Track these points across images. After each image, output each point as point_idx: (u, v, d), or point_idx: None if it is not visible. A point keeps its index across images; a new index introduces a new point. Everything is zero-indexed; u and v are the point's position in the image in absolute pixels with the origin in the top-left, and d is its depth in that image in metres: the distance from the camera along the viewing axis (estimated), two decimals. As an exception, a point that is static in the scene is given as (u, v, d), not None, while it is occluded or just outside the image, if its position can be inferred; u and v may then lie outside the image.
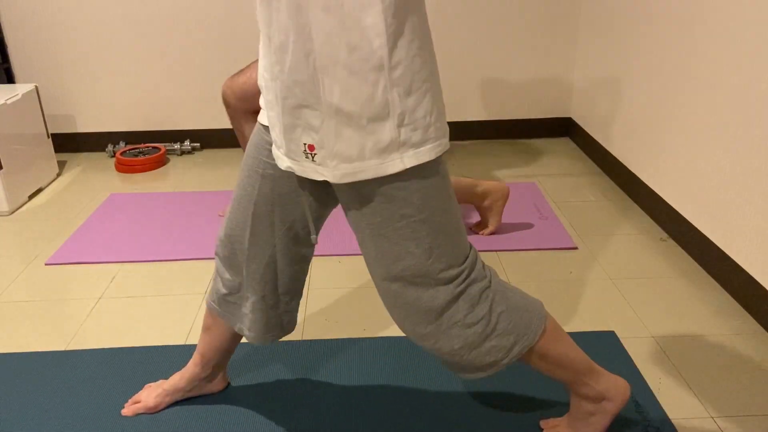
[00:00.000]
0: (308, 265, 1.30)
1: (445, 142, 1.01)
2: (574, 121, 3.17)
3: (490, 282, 1.14)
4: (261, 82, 1.06)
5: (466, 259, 1.10)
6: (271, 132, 1.06)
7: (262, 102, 1.12)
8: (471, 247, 1.13)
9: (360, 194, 1.02)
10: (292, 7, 0.89)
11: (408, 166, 0.97)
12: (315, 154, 0.99)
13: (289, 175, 1.15)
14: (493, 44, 3.05)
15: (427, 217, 1.03)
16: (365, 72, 0.91)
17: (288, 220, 1.19)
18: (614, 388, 1.26)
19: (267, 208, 1.18)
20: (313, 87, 0.93)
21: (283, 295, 1.29)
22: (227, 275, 1.29)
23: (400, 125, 0.95)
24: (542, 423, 1.39)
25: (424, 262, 1.05)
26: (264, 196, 1.17)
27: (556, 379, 1.24)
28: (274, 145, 1.08)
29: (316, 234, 1.22)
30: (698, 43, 1.98)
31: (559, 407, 1.44)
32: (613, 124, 2.67)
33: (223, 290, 1.31)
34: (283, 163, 1.06)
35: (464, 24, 3.01)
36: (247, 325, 1.31)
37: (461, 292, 1.09)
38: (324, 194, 1.19)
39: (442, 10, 2.98)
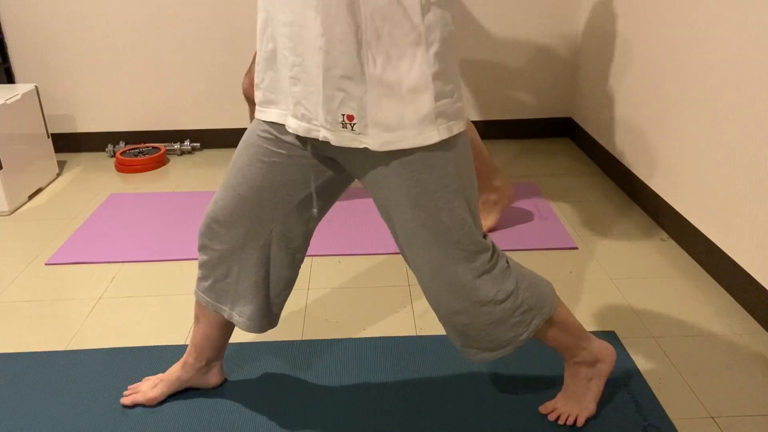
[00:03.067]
0: (302, 255, 1.33)
1: (466, 118, 1.09)
2: (574, 122, 3.17)
3: (509, 260, 1.21)
4: (281, 69, 1.09)
5: (485, 236, 1.18)
6: (300, 107, 1.09)
7: (261, 94, 1.15)
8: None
9: (399, 165, 1.07)
10: None
11: (444, 137, 1.04)
12: (354, 123, 1.04)
13: (296, 162, 1.18)
14: (494, 44, 3.05)
15: (460, 186, 1.10)
16: (405, 46, 0.99)
17: (287, 208, 1.23)
18: (605, 349, 1.35)
19: (269, 195, 1.21)
20: (358, 59, 1.00)
21: (274, 283, 1.32)
22: (213, 263, 1.31)
23: (437, 98, 1.02)
24: (541, 409, 1.43)
25: (457, 232, 1.11)
26: (267, 184, 1.20)
27: (558, 346, 1.31)
28: (302, 120, 1.10)
29: (318, 217, 1.28)
30: (698, 44, 1.98)
31: (555, 390, 1.43)
32: (614, 125, 2.67)
33: (209, 279, 1.33)
34: (320, 133, 1.08)
35: (464, 24, 3.01)
36: (238, 311, 1.34)
37: (491, 268, 1.16)
38: (335, 180, 1.23)
39: (442, 10, 2.98)
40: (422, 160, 1.06)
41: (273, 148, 1.18)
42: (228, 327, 1.43)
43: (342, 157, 1.15)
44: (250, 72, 2.17)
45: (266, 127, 1.18)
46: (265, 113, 1.17)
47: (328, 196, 1.26)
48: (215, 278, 1.33)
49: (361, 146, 1.06)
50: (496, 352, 1.24)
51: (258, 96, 1.17)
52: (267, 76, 1.14)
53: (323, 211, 1.28)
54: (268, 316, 1.37)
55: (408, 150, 1.05)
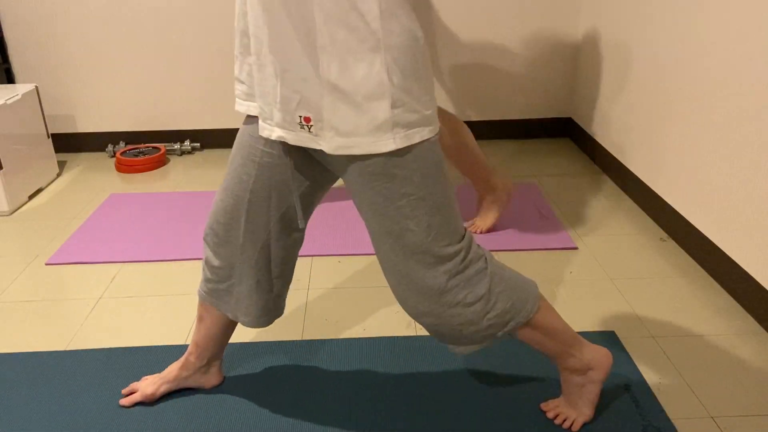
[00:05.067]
0: (299, 249, 1.35)
1: (435, 126, 1.05)
2: (574, 122, 3.17)
3: (487, 262, 1.18)
4: (249, 60, 1.09)
5: (462, 238, 1.15)
6: (260, 106, 1.09)
7: (238, 86, 1.15)
8: (466, 228, 1.18)
9: (360, 173, 1.06)
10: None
11: (399, 146, 1.02)
12: (311, 125, 1.03)
13: (286, 161, 1.18)
14: (494, 44, 3.05)
15: (426, 194, 1.07)
16: (362, 52, 0.96)
17: (283, 206, 1.24)
18: (597, 357, 1.32)
19: (264, 195, 1.22)
20: (313, 64, 0.98)
21: (276, 279, 1.33)
22: (216, 263, 1.32)
23: (394, 106, 0.99)
24: (543, 406, 1.43)
25: (424, 239, 1.09)
26: (261, 184, 1.21)
27: (544, 351, 1.30)
28: (261, 118, 1.10)
29: (305, 219, 1.27)
30: (698, 44, 1.98)
31: (555, 390, 1.43)
32: (614, 125, 2.67)
33: (213, 278, 1.34)
34: (274, 133, 1.09)
35: (464, 24, 3.01)
36: (243, 310, 1.34)
37: (461, 271, 1.14)
38: (317, 177, 1.23)
39: (441, 11, 2.98)
40: (383, 169, 1.04)
41: (263, 148, 1.18)
42: (230, 326, 1.43)
43: (320, 156, 1.15)
44: None
45: (254, 126, 1.18)
46: (243, 106, 1.17)
47: (321, 189, 1.27)
48: (219, 278, 1.34)
49: (318, 147, 1.05)
50: (468, 346, 1.24)
51: (236, 88, 1.17)
52: (243, 69, 1.14)
53: (317, 203, 1.30)
54: (274, 310, 1.38)
55: (367, 156, 1.04)
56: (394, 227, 1.09)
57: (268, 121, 1.09)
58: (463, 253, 1.14)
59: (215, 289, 1.35)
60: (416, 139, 1.03)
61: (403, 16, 0.98)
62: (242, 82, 1.16)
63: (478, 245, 1.20)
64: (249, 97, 1.16)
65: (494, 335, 1.21)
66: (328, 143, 1.03)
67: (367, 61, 0.97)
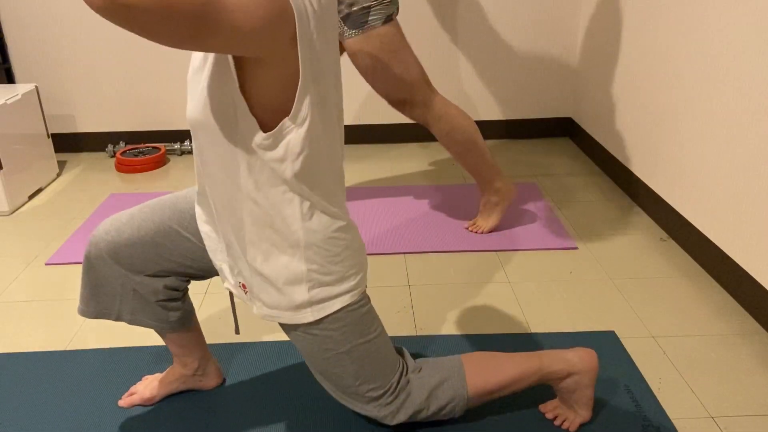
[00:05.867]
0: (187, 287, 1.39)
1: (358, 291, 1.18)
2: (574, 121, 3.17)
3: (411, 386, 1.27)
4: (202, 227, 1.24)
5: (394, 374, 1.26)
6: (211, 255, 1.25)
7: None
8: (398, 362, 1.28)
9: (288, 330, 1.20)
10: (226, 197, 1.09)
11: (318, 318, 1.15)
12: (246, 291, 1.20)
13: (202, 250, 1.29)
14: (494, 44, 3.05)
15: (350, 349, 1.20)
16: (284, 247, 1.11)
17: (178, 268, 1.30)
18: (577, 360, 1.33)
19: (168, 251, 1.28)
20: (243, 252, 1.14)
21: (158, 303, 1.33)
22: (105, 282, 1.32)
23: (310, 288, 1.13)
24: (542, 407, 1.43)
25: (352, 384, 1.23)
26: (170, 243, 1.28)
27: (516, 393, 1.40)
28: (216, 263, 1.25)
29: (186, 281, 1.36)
30: (698, 44, 1.98)
31: (552, 392, 1.44)
32: (614, 124, 2.67)
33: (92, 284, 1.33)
34: (225, 283, 1.25)
35: (464, 24, 3.01)
36: (142, 321, 1.35)
37: (392, 401, 1.26)
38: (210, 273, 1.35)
39: (442, 11, 2.98)
40: (305, 331, 1.18)
41: (194, 226, 1.27)
42: (188, 325, 1.42)
43: None
44: None
45: (198, 209, 1.25)
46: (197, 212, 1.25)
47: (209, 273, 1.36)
48: (94, 294, 1.33)
49: (252, 310, 1.21)
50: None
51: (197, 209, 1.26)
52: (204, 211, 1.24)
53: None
54: (170, 322, 1.38)
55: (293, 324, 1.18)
56: (325, 371, 1.22)
57: (224, 273, 1.24)
58: (390, 392, 1.25)
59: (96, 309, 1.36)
60: (335, 308, 1.16)
61: (324, 214, 1.11)
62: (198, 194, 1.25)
63: (406, 372, 1.28)
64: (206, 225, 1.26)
65: (453, 417, 1.31)
66: (258, 310, 1.19)
67: (289, 254, 1.11)
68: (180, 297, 1.34)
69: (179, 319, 1.35)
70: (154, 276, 1.29)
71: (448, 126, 2.06)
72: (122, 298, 1.30)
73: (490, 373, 1.30)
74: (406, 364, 1.30)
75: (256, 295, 1.17)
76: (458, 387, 1.28)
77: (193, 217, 1.27)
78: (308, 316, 1.15)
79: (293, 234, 1.09)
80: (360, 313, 1.19)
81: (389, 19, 1.91)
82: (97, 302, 1.31)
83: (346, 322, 1.18)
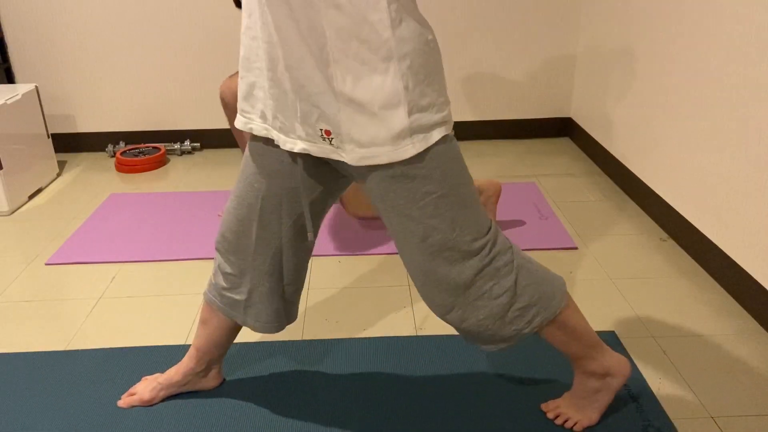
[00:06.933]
0: (310, 256, 1.34)
1: (450, 123, 1.07)
2: (574, 121, 3.17)
3: (514, 255, 1.18)
4: (256, 80, 1.09)
5: (488, 231, 1.15)
6: (277, 120, 1.09)
7: (243, 102, 1.14)
8: (491, 220, 1.17)
9: (381, 178, 1.06)
10: (303, 5, 0.95)
11: (419, 150, 1.03)
12: (332, 138, 1.04)
13: (295, 170, 1.18)
14: (493, 44, 3.05)
15: (448, 191, 1.08)
16: (375, 62, 0.97)
17: (294, 214, 1.24)
18: (618, 364, 1.32)
19: (275, 202, 1.22)
20: (327, 78, 0.98)
21: (287, 285, 1.33)
22: (228, 269, 1.31)
23: (410, 112, 1.00)
24: (543, 406, 1.43)
25: (449, 235, 1.10)
26: (272, 192, 1.21)
27: (566, 352, 1.29)
28: (279, 132, 1.11)
29: (315, 228, 1.27)
30: (698, 44, 1.98)
31: (556, 390, 1.43)
32: (613, 124, 2.67)
33: (224, 284, 1.33)
34: (297, 145, 1.09)
35: (464, 24, 3.01)
36: (253, 315, 1.34)
37: (488, 264, 1.14)
38: (328, 185, 1.23)
39: (441, 11, 2.98)
40: (404, 172, 1.05)
41: (275, 156, 1.18)
42: (234, 331, 1.43)
43: (335, 163, 1.15)
44: (234, 75, 2.14)
45: (264, 139, 1.18)
46: (248, 123, 1.16)
47: (331, 197, 1.27)
48: (230, 285, 1.33)
49: (340, 159, 1.06)
50: (497, 344, 1.23)
51: (240, 104, 1.16)
52: (246, 83, 1.13)
53: (327, 210, 1.29)
54: (286, 316, 1.38)
55: (389, 164, 1.05)
56: (419, 228, 1.09)
57: (291, 135, 1.09)
58: (489, 246, 1.14)
59: (224, 295, 1.35)
60: (434, 140, 1.04)
61: (413, 21, 0.98)
62: (243, 97, 1.15)
63: (505, 237, 1.19)
64: (248, 113, 1.15)
65: (520, 331, 1.20)
66: (350, 155, 1.04)
67: (381, 71, 0.97)
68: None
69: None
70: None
71: None
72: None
73: (577, 314, 1.26)
74: (509, 240, 1.21)
75: (346, 134, 1.02)
76: (559, 296, 1.21)
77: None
78: (409, 149, 1.02)
79: (384, 44, 0.96)
80: (457, 149, 1.09)
81: None
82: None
83: (446, 157, 1.06)
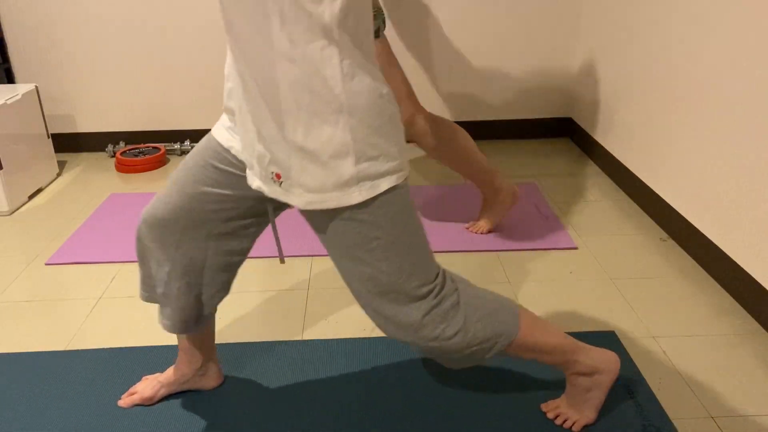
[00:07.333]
0: (242, 259, 1.33)
1: (402, 173, 1.08)
2: (574, 122, 3.17)
3: (459, 296, 1.19)
4: (231, 105, 1.14)
5: (436, 277, 1.17)
6: (245, 152, 1.13)
7: (226, 120, 1.18)
8: (439, 266, 1.19)
9: (331, 220, 1.09)
10: (258, 60, 0.98)
11: (365, 198, 1.05)
12: (282, 181, 1.07)
13: (245, 183, 1.20)
14: (493, 44, 3.05)
15: (396, 239, 1.10)
16: (326, 114, 0.99)
17: (232, 215, 1.24)
18: (605, 361, 1.33)
19: (216, 198, 1.22)
20: (279, 126, 1.01)
21: (207, 286, 1.31)
22: (148, 259, 1.31)
23: (357, 161, 1.02)
24: (543, 407, 1.43)
25: (396, 279, 1.12)
26: (217, 190, 1.21)
27: (542, 362, 1.31)
28: (247, 166, 1.15)
29: (251, 242, 1.31)
30: (698, 44, 1.98)
31: (556, 390, 1.43)
32: (614, 125, 2.67)
33: (146, 279, 1.33)
34: (254, 183, 1.13)
35: (464, 24, 3.01)
36: (167, 313, 1.33)
37: (435, 306, 1.16)
38: (263, 213, 1.27)
39: (441, 11, 2.98)
40: (351, 216, 1.07)
41: (231, 159, 1.19)
42: (207, 324, 1.41)
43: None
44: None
45: (230, 141, 1.19)
46: (230, 141, 1.18)
47: (263, 225, 1.30)
48: (147, 276, 1.33)
49: (289, 202, 1.08)
50: (459, 365, 1.26)
51: (225, 107, 1.18)
52: (229, 107, 1.16)
53: (263, 227, 1.31)
54: (197, 319, 1.36)
55: (336, 209, 1.07)
56: (367, 269, 1.12)
57: (251, 170, 1.13)
58: (436, 290, 1.16)
59: (151, 293, 1.35)
60: (382, 189, 1.06)
61: (367, 75, 1.00)
62: (229, 123, 1.18)
63: (452, 279, 1.21)
64: (229, 127, 1.18)
65: (482, 359, 1.23)
66: (299, 198, 1.06)
67: (332, 123, 0.99)
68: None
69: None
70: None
71: (434, 141, 2.07)
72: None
73: (538, 329, 1.26)
74: (448, 272, 1.23)
75: (296, 180, 1.05)
76: (510, 324, 1.22)
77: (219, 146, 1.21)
78: (356, 195, 1.04)
79: (336, 98, 0.98)
80: (407, 198, 1.11)
81: (375, 35, 1.91)
82: None
83: (394, 206, 1.09)
